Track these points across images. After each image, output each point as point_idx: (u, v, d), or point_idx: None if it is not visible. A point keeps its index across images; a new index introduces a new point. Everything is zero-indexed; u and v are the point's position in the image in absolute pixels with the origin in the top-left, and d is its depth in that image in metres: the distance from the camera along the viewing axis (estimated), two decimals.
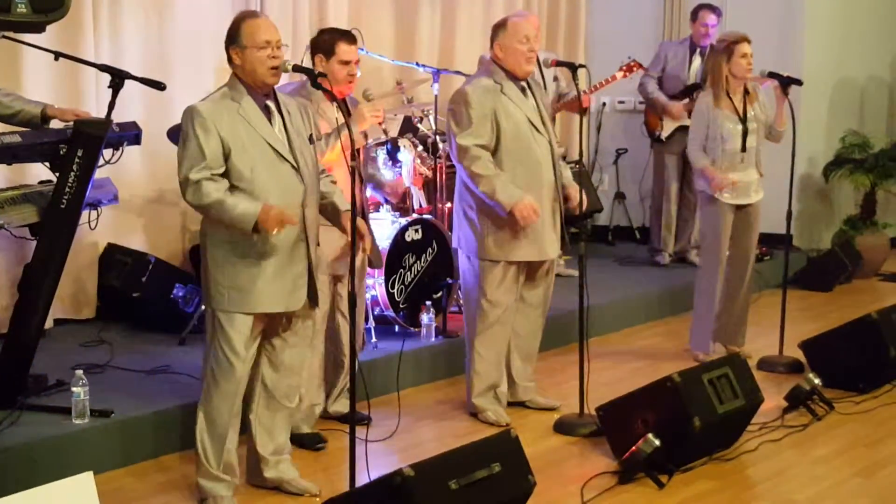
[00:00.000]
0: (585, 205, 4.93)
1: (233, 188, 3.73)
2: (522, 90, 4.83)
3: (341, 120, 4.46)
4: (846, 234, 8.49)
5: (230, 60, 3.81)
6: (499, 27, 4.85)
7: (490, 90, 4.76)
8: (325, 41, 4.61)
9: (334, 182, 4.17)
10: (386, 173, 5.74)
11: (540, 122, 4.82)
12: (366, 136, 4.83)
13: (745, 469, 4.43)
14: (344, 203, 4.04)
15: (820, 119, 8.71)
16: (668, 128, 7.78)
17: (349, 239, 3.80)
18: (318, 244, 4.02)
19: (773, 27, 8.22)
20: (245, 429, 4.02)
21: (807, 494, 4.19)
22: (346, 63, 4.56)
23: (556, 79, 6.98)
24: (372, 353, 5.32)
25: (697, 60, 7.65)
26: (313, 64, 4.59)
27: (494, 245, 4.78)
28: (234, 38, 3.79)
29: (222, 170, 3.71)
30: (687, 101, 7.64)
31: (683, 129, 7.69)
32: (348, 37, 4.63)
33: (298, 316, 3.95)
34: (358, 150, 4.61)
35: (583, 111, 5.06)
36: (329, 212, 4.08)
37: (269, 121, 3.81)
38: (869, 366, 5.40)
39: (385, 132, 4.97)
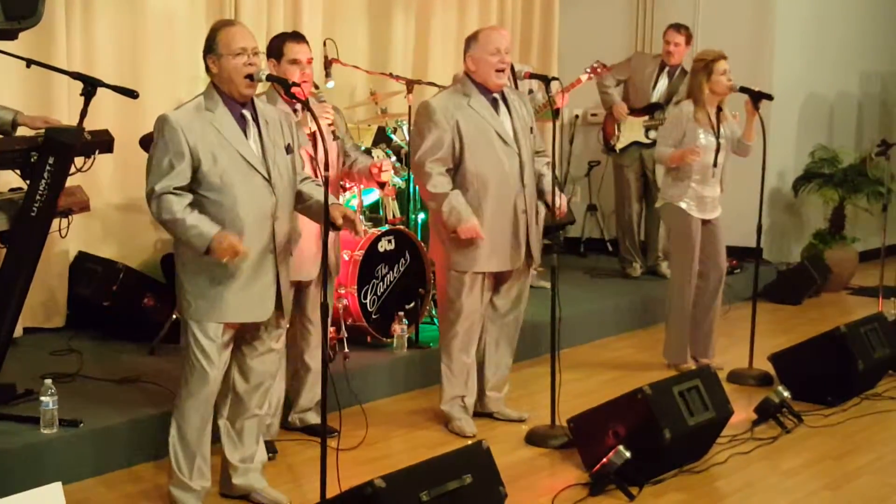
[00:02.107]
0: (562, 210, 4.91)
1: (204, 198, 3.72)
2: (494, 103, 4.82)
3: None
4: (815, 248, 8.57)
5: (207, 70, 3.81)
6: (471, 39, 4.84)
7: (455, 102, 4.76)
8: (273, 45, 4.57)
9: (320, 186, 4.11)
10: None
11: (512, 136, 4.80)
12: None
13: (715, 481, 4.45)
14: (330, 199, 3.93)
15: (790, 134, 8.80)
16: (623, 140, 7.81)
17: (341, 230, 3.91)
18: (292, 254, 4.01)
19: (744, 43, 8.28)
20: (217, 437, 4.01)
21: None
22: (297, 62, 4.51)
23: (531, 91, 6.99)
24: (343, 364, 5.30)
25: (664, 80, 7.67)
26: None
27: (459, 256, 4.79)
28: (210, 46, 3.79)
29: (186, 182, 3.70)
30: (646, 117, 7.68)
31: (639, 145, 7.75)
32: (296, 37, 4.60)
33: (267, 325, 3.95)
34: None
35: (555, 113, 5.01)
36: (314, 211, 4.02)
37: (245, 131, 3.80)
38: (838, 379, 5.45)
39: (333, 133, 4.85)
